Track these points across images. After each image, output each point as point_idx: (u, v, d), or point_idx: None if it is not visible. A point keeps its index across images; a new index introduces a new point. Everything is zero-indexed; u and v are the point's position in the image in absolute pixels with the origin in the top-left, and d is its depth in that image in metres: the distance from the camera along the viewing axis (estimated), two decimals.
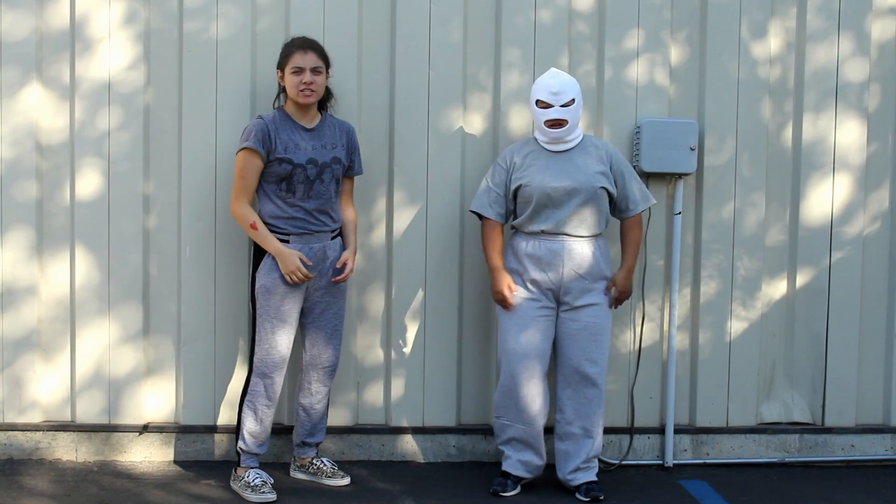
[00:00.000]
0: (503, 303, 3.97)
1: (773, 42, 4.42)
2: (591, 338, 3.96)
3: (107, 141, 4.23)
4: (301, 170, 3.85)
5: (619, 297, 4.04)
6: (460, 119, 4.35)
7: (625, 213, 4.06)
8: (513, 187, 3.99)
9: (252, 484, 3.87)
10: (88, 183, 4.24)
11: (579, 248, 3.95)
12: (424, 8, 4.31)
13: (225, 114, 4.23)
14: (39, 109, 4.22)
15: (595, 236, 3.99)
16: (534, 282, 3.96)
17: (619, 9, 4.34)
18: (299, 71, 3.84)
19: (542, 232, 3.95)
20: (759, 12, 4.38)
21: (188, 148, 4.25)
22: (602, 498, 3.94)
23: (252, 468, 3.95)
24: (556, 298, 3.99)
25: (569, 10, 4.35)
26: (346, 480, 4.07)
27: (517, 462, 4.02)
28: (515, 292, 3.97)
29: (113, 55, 4.22)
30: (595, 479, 4.01)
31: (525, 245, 3.98)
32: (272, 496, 3.84)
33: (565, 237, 3.94)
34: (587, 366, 3.95)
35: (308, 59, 3.85)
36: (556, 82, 3.91)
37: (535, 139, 4.04)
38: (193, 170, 4.25)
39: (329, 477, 4.08)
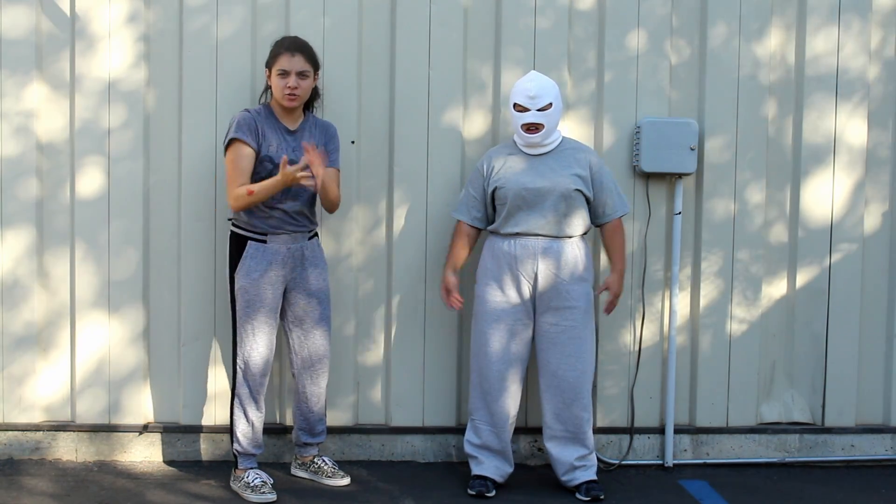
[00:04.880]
0: (444, 298, 4.05)
1: (773, 42, 4.42)
2: (570, 342, 3.95)
3: (107, 140, 4.24)
4: (279, 170, 3.82)
5: (613, 300, 4.05)
6: (460, 119, 4.35)
7: (600, 219, 4.04)
8: (490, 190, 4.00)
9: (252, 484, 3.87)
10: (89, 182, 4.24)
11: (556, 249, 3.94)
12: (424, 8, 4.31)
13: (225, 113, 4.22)
14: (40, 108, 4.22)
15: (572, 238, 3.98)
16: (511, 284, 3.96)
17: (619, 9, 4.35)
18: (285, 74, 3.82)
19: (518, 234, 3.95)
20: (759, 12, 4.38)
21: (188, 147, 4.25)
22: (602, 497, 3.94)
23: (251, 469, 3.95)
24: (534, 302, 3.98)
25: (569, 11, 4.35)
26: (346, 480, 4.07)
27: (493, 467, 4.03)
28: (492, 291, 3.99)
29: (113, 54, 4.22)
30: (595, 477, 4.01)
31: (502, 245, 3.97)
32: (272, 496, 3.84)
33: (541, 238, 3.94)
34: (567, 370, 3.94)
35: (295, 63, 3.82)
36: (532, 86, 3.90)
37: (514, 142, 4.05)
38: (194, 169, 4.25)
39: (329, 477, 4.07)
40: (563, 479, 4.03)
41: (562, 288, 3.94)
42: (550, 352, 3.96)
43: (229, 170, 3.85)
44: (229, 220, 3.99)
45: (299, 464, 4.16)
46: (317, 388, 4.06)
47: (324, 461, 4.12)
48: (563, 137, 4.07)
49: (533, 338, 4.03)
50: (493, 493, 3.97)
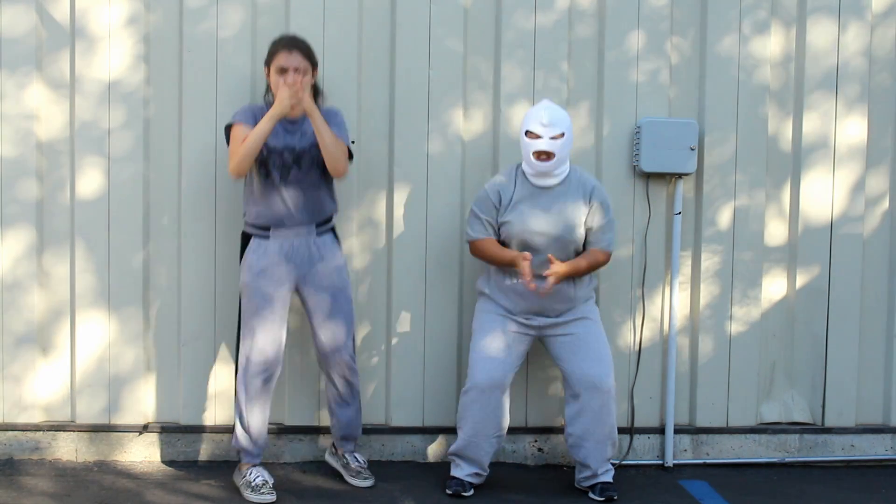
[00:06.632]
0: (522, 265, 3.79)
1: (774, 41, 4.42)
2: (587, 346, 3.95)
3: (107, 140, 4.24)
4: (277, 155, 3.82)
5: (551, 276, 3.82)
6: (460, 119, 4.35)
7: (588, 245, 4.02)
8: (500, 220, 3.98)
9: (253, 483, 3.87)
10: (89, 182, 4.24)
11: (559, 287, 3.93)
12: (424, 7, 4.31)
13: (225, 114, 4.21)
14: (40, 108, 4.22)
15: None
16: (510, 312, 3.98)
17: (619, 9, 4.34)
18: (283, 71, 3.81)
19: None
20: (760, 11, 4.38)
21: (188, 148, 4.25)
22: (616, 498, 3.94)
23: (254, 466, 3.95)
24: (539, 327, 3.98)
25: (569, 11, 4.35)
26: (369, 483, 4.04)
27: (466, 472, 4.01)
28: (493, 311, 4.00)
29: (113, 55, 4.22)
30: (610, 480, 4.01)
31: (507, 282, 3.98)
32: (271, 497, 3.84)
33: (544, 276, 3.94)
34: (591, 371, 3.92)
35: (292, 60, 3.81)
36: (546, 114, 3.88)
37: (523, 171, 4.00)
38: (194, 169, 4.25)
39: (353, 476, 4.06)
40: (580, 477, 4.04)
41: (568, 313, 3.98)
42: (571, 360, 3.95)
43: (231, 147, 3.82)
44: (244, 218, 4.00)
45: (332, 453, 4.18)
46: (342, 380, 3.99)
47: (355, 458, 4.09)
48: (572, 167, 4.03)
49: (551, 355, 4.04)
50: (470, 493, 3.98)
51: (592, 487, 4.00)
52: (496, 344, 3.96)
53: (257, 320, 3.87)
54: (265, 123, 3.73)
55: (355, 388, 4.05)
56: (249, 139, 3.74)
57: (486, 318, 4.01)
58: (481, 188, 4.07)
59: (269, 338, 3.89)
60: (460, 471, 4.03)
